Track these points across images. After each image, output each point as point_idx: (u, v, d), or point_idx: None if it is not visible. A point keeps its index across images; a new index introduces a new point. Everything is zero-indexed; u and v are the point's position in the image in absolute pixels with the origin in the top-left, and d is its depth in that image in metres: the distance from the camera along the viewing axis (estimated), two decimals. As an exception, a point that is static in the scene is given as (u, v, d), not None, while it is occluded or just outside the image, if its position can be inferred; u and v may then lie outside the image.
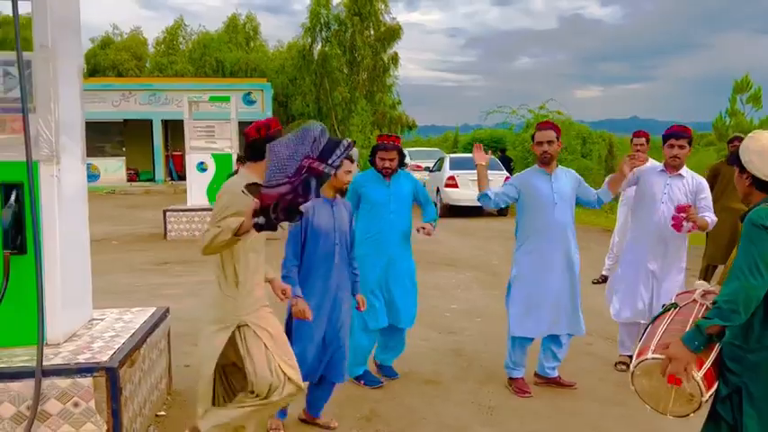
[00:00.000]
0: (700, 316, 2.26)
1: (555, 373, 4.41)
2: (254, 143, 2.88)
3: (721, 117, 14.21)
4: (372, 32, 32.65)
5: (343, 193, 3.59)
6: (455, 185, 14.45)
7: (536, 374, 4.45)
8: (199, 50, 35.00)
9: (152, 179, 24.50)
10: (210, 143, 11.28)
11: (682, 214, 4.18)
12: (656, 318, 2.48)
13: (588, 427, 3.76)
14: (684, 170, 4.50)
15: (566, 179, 4.27)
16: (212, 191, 11.32)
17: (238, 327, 2.87)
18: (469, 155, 17.40)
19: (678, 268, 4.50)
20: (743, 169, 2.27)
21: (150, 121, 24.14)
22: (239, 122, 12.19)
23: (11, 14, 3.09)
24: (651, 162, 5.05)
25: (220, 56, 33.89)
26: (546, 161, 4.23)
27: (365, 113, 30.22)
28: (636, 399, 2.36)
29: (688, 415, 2.22)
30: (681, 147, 4.40)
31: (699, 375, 2.12)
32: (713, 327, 2.12)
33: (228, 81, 27.62)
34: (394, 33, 32.84)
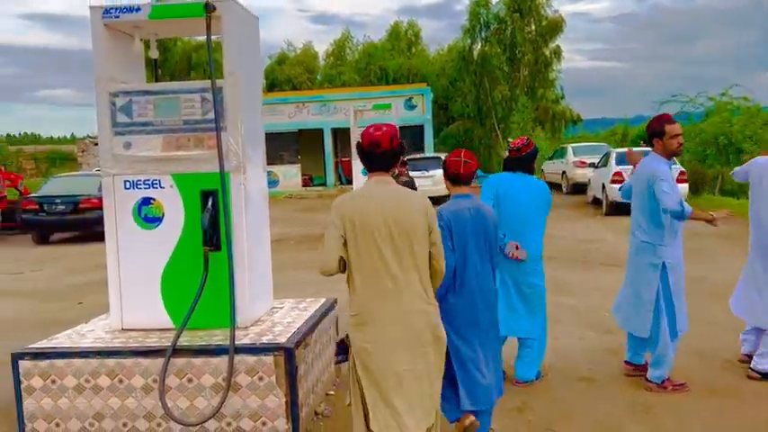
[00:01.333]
0: None
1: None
2: (385, 153, 2.83)
3: None
4: (533, 27, 31.99)
5: None
6: (622, 182, 13.78)
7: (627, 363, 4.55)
8: (364, 60, 36.71)
9: (324, 183, 26.22)
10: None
11: None
12: None
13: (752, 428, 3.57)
14: None
15: None
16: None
17: None
18: (638, 149, 16.52)
19: None
20: None
21: (321, 130, 25.87)
22: (401, 127, 12.93)
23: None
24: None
25: (384, 63, 35.22)
26: (679, 153, 4.33)
27: (526, 110, 29.68)
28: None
29: None
30: None
31: None
32: None
33: (391, 88, 28.66)
34: (556, 26, 31.91)
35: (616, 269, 8.17)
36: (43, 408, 3.68)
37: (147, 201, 3.92)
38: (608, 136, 32.31)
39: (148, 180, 3.90)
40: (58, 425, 3.68)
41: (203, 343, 3.62)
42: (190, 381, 3.56)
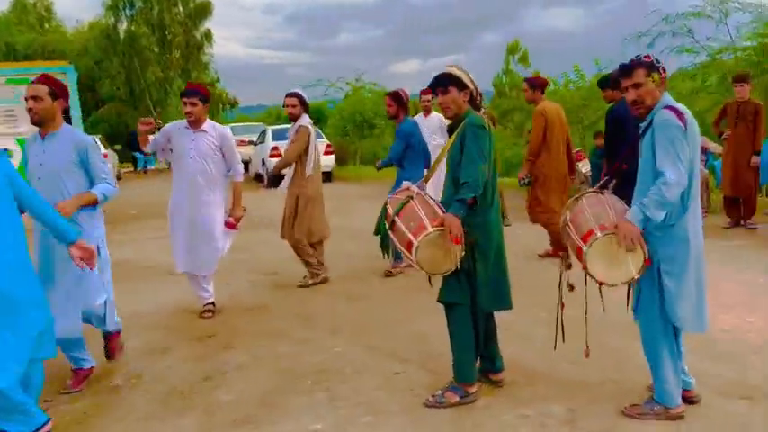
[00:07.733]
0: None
1: None
2: None
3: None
4: (181, 9, 31.67)
5: None
6: (278, 155, 14.95)
7: None
8: (-14, 34, 31.50)
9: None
10: (11, 128, 10.68)
11: None
12: (398, 211, 3.08)
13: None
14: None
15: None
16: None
17: None
18: (289, 125, 18.04)
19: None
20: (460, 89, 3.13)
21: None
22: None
23: None
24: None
25: (11, 39, 30.84)
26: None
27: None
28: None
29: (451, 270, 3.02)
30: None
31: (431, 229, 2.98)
32: (471, 199, 2.96)
33: (25, 65, 25.30)
34: (204, 10, 32.15)
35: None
36: None
37: None
38: (264, 118, 34.04)
39: None
40: None
41: None
42: None
